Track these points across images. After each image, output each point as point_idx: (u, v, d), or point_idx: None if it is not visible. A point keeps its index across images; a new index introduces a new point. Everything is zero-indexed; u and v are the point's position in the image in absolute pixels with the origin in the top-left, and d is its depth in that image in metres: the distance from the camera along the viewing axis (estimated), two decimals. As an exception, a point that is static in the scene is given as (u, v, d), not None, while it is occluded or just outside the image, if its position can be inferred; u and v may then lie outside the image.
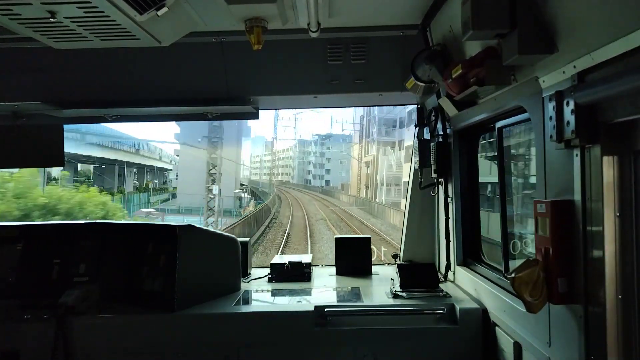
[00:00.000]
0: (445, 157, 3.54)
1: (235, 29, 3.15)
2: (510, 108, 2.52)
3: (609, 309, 1.79)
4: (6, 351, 2.95)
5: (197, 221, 25.81)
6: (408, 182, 4.20)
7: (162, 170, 74.42)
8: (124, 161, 53.53)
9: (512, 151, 5.19)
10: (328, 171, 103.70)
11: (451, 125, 3.50)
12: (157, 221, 16.66)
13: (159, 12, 2.29)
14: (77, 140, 38.28)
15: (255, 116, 3.89)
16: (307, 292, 3.54)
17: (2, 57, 3.43)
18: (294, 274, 3.83)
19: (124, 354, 2.98)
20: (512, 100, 2.42)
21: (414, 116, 4.15)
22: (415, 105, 4.08)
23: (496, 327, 2.79)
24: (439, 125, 3.61)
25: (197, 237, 3.36)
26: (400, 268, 3.46)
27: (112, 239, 3.46)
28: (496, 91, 2.55)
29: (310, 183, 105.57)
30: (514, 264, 2.50)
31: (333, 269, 4.07)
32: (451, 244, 3.62)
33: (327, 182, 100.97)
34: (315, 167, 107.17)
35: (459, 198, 3.49)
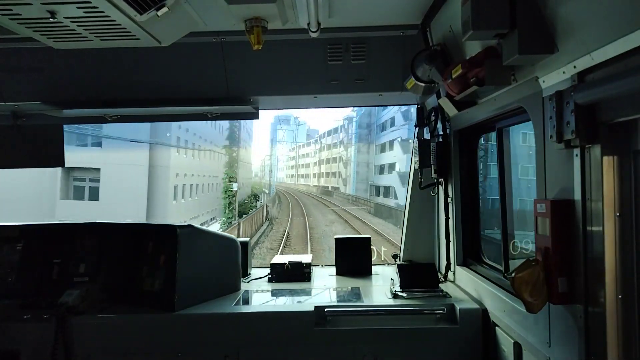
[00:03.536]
0: (445, 157, 3.55)
1: (235, 29, 3.15)
2: (510, 108, 2.52)
3: (609, 309, 1.79)
4: (6, 351, 2.95)
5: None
6: (408, 182, 4.20)
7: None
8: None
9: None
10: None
11: (451, 125, 3.50)
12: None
13: (159, 12, 2.29)
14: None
15: (255, 116, 3.90)
16: (307, 292, 3.54)
17: (2, 57, 3.43)
18: (294, 274, 3.84)
19: (124, 354, 2.98)
20: (512, 100, 2.42)
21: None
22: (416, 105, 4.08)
23: (496, 327, 2.79)
24: (439, 125, 3.61)
25: (197, 237, 3.35)
26: (400, 268, 3.46)
27: (112, 239, 3.46)
28: (496, 91, 2.55)
29: (387, 194, 45.95)
30: (514, 263, 2.50)
31: (333, 269, 4.07)
32: (451, 244, 3.62)
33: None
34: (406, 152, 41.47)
35: (458, 198, 3.49)
